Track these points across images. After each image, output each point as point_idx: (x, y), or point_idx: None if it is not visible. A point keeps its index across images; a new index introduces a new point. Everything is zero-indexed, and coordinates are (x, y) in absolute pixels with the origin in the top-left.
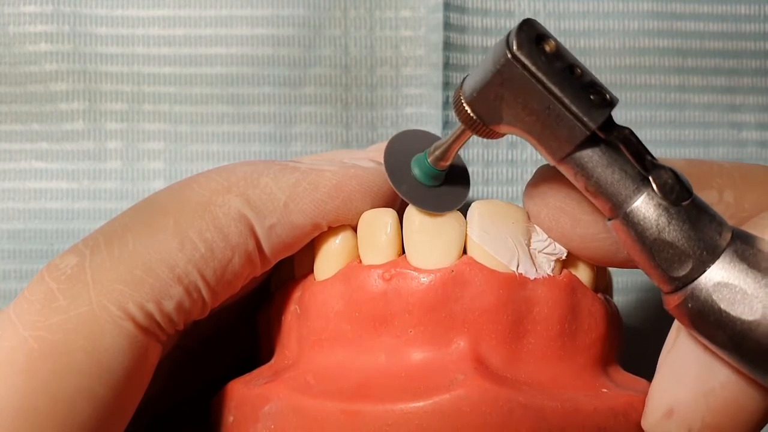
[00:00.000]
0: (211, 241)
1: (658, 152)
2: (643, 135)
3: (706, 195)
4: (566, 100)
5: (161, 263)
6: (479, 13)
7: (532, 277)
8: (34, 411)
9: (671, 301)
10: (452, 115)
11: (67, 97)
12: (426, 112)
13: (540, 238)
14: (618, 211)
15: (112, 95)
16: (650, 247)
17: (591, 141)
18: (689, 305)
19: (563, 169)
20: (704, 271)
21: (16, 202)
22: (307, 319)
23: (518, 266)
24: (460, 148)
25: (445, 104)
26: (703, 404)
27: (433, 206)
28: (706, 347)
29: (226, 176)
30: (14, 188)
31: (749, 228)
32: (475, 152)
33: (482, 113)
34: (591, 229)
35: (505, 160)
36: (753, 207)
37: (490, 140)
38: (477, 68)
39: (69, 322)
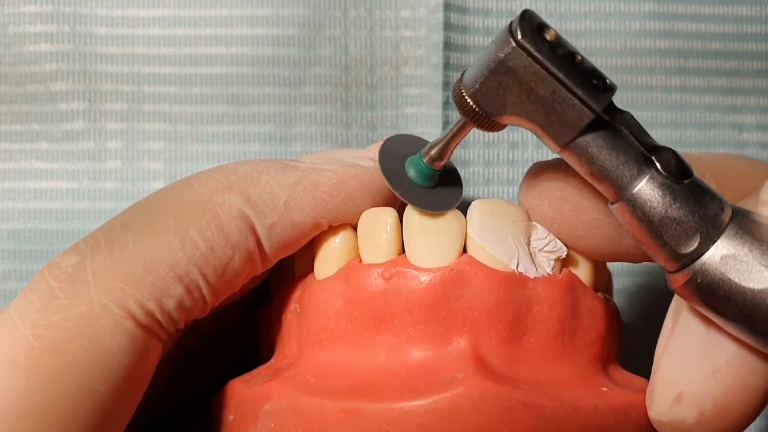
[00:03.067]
0: (212, 240)
1: None
2: None
3: None
4: (571, 85)
5: (162, 262)
6: (480, 13)
7: (531, 276)
8: (35, 409)
9: (678, 280)
10: (452, 115)
11: (67, 97)
12: (426, 112)
13: (540, 237)
14: (623, 193)
15: (112, 95)
16: (657, 226)
17: (594, 125)
18: (698, 280)
19: (566, 156)
20: (711, 245)
21: (16, 202)
22: (308, 318)
23: (518, 265)
24: (458, 144)
25: (445, 104)
26: (713, 384)
27: (432, 206)
28: (708, 327)
29: (227, 175)
30: (14, 188)
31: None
32: (475, 152)
33: (485, 104)
34: (595, 214)
35: (505, 160)
36: (732, 195)
37: (490, 140)
38: (476, 61)
39: (69, 320)
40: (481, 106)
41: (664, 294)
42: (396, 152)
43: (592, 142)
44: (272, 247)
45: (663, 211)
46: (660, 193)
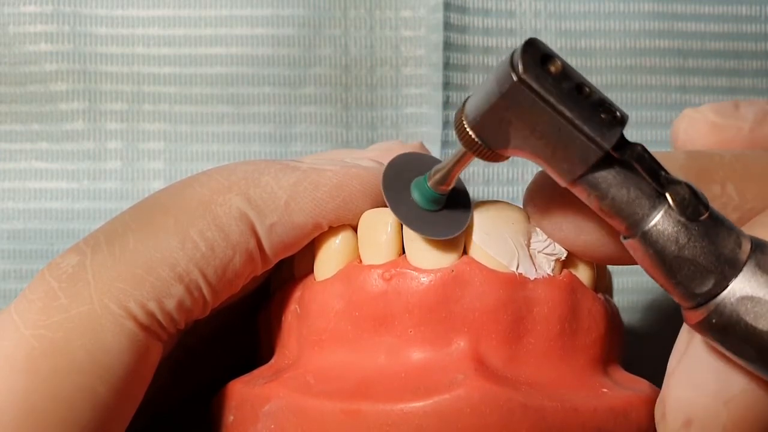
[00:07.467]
0: (212, 240)
1: None
2: (644, 136)
3: (709, 189)
4: (578, 122)
5: (162, 262)
6: (480, 13)
7: (532, 277)
8: (35, 410)
9: (693, 317)
10: (452, 115)
11: (67, 97)
12: (426, 112)
13: (540, 239)
14: (635, 229)
15: (112, 95)
16: (670, 265)
17: (604, 161)
18: (713, 321)
19: (576, 191)
20: (727, 286)
21: (16, 202)
22: (307, 319)
23: (518, 266)
24: (461, 171)
25: (446, 104)
26: (724, 413)
27: (433, 231)
28: (722, 356)
29: (227, 175)
30: (14, 188)
31: (756, 226)
32: None
33: (487, 137)
34: (595, 234)
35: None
36: (756, 198)
37: None
38: (479, 89)
39: (70, 320)
40: (483, 139)
41: (665, 294)
42: (403, 172)
43: (601, 178)
44: (272, 247)
45: (676, 251)
46: (673, 231)
